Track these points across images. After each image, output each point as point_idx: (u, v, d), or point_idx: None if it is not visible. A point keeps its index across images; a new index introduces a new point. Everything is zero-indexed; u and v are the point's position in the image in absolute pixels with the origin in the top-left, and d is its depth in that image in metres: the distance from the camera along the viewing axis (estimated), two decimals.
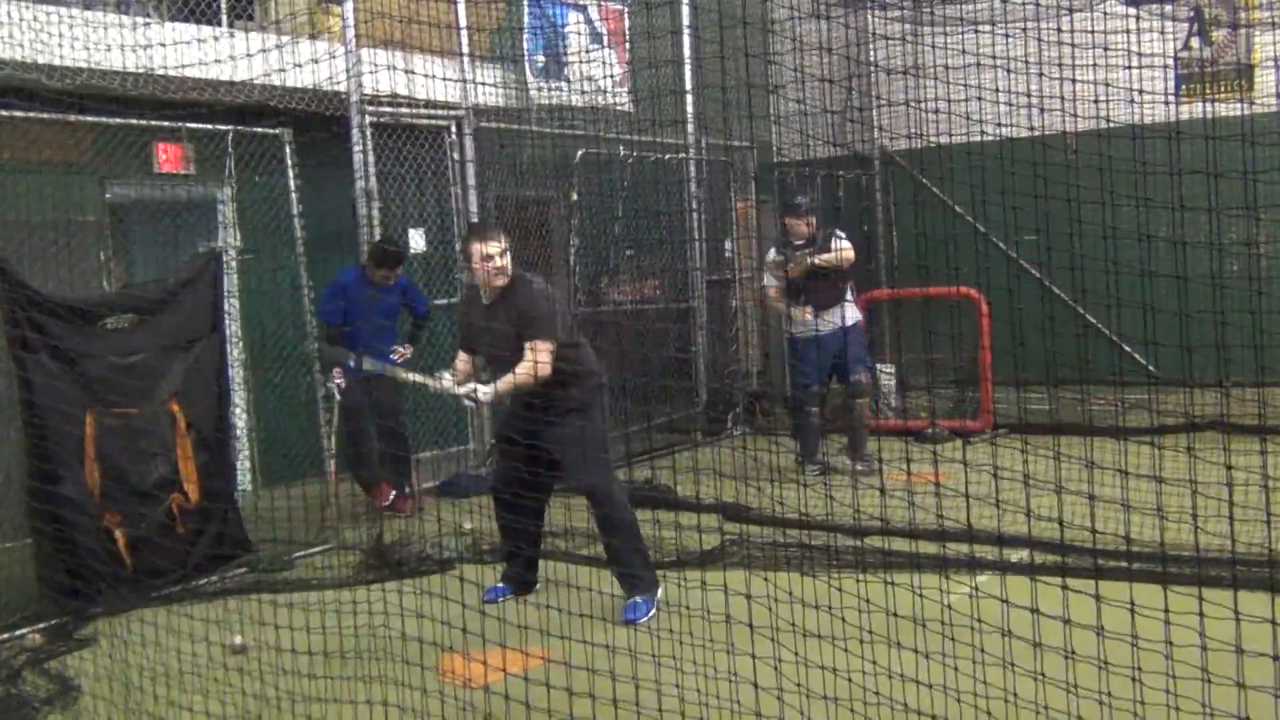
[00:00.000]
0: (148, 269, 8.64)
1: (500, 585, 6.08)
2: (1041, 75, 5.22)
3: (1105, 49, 6.53)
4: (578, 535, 6.78)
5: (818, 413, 8.96)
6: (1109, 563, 5.58)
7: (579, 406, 5.75)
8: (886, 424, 9.90)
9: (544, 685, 4.08)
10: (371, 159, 8.44)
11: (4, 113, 6.63)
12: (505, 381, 5.70)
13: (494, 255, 5.67)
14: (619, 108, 10.67)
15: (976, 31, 8.62)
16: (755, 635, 4.16)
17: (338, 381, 7.83)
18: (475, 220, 8.95)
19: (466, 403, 6.07)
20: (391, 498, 8.14)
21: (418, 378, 6.23)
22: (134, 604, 6.08)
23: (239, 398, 7.81)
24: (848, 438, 8.95)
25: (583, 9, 10.63)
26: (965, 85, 5.44)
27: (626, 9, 10.85)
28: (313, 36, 8.46)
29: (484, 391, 5.75)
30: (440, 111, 9.06)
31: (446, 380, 5.98)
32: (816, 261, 8.63)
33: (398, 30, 7.99)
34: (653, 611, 5.61)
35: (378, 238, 8.23)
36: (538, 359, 5.56)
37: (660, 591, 5.76)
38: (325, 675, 4.69)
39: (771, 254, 9.00)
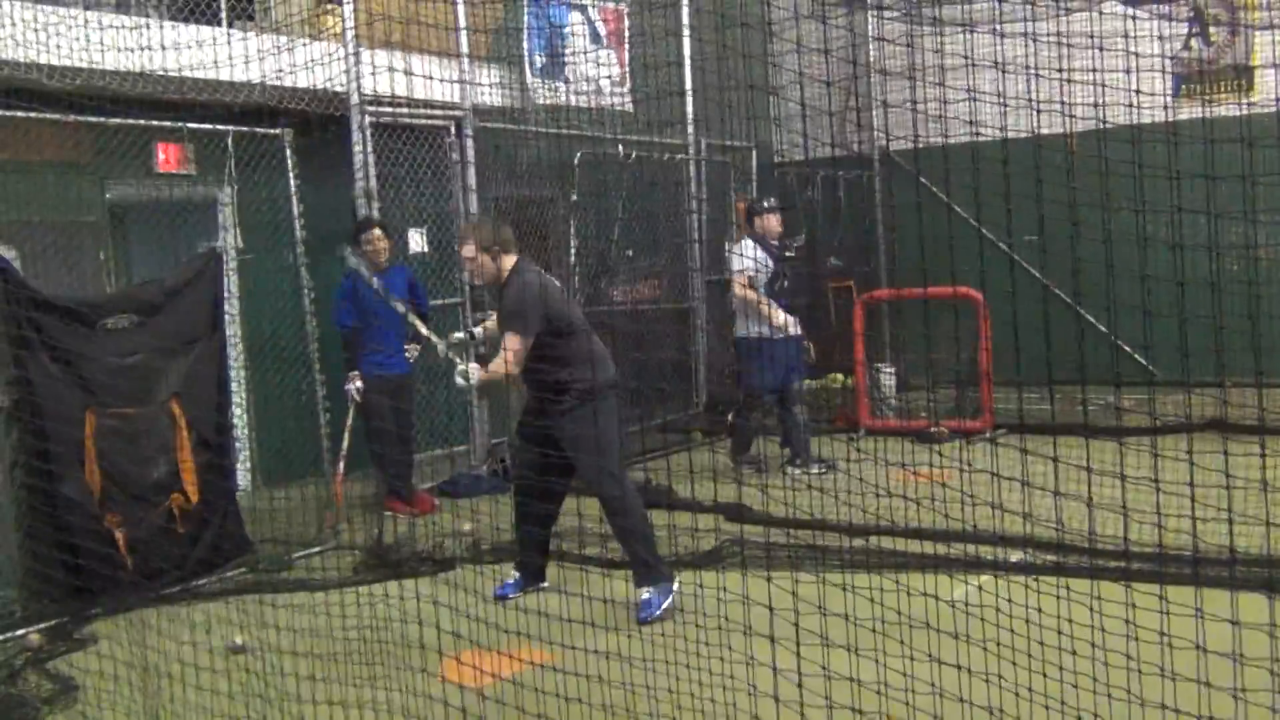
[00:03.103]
0: (148, 269, 8.63)
1: (511, 581, 6.10)
2: (1054, 76, 5.21)
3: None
4: (583, 536, 6.76)
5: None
6: (1108, 563, 5.58)
7: (585, 399, 5.74)
8: (887, 424, 9.90)
9: (543, 687, 4.07)
10: (372, 159, 8.43)
11: (4, 113, 6.63)
12: (481, 372, 5.83)
13: (467, 258, 5.92)
14: (619, 108, 10.66)
15: (974, 32, 8.61)
16: (757, 638, 4.15)
17: (357, 384, 7.85)
18: (469, 221, 8.95)
19: (458, 379, 6.00)
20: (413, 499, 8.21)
21: (433, 336, 6.39)
22: (134, 604, 6.08)
23: (239, 398, 7.80)
24: (790, 445, 8.87)
25: (582, 9, 10.63)
26: (964, 88, 5.43)
27: (626, 9, 10.84)
28: (313, 37, 8.45)
29: (471, 370, 5.86)
30: (440, 112, 9.05)
31: (456, 338, 6.32)
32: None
33: (398, 30, 7.98)
34: (666, 604, 5.56)
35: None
36: (506, 357, 5.66)
37: (676, 589, 5.68)
38: (325, 677, 4.69)
39: (749, 249, 8.79)
